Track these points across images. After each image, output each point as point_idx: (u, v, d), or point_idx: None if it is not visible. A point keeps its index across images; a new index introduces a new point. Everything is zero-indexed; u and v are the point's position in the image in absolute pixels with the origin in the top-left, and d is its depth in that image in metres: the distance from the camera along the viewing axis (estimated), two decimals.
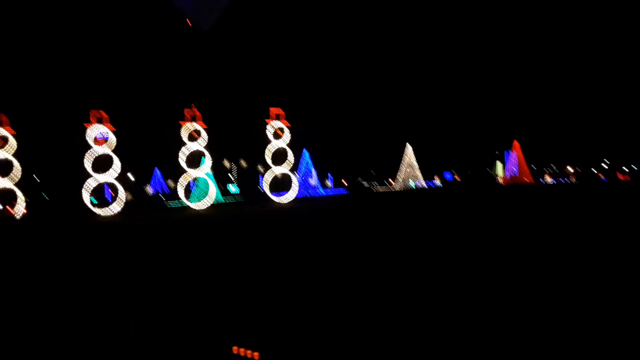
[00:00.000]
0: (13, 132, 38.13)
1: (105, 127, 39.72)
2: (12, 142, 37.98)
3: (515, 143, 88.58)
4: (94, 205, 40.43)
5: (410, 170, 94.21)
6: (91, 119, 39.35)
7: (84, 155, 38.91)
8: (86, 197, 38.76)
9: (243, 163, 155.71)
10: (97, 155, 38.97)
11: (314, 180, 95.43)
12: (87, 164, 38.82)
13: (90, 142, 39.37)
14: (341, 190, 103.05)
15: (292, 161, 45.39)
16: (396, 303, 6.12)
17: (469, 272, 7.87)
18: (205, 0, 4.82)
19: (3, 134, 37.36)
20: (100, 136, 39.68)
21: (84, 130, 39.11)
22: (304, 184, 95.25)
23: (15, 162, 37.81)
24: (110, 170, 39.53)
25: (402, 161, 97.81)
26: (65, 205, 48.17)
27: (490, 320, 5.21)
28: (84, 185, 39.11)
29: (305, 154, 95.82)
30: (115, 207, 39.80)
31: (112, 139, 39.73)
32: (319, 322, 5.30)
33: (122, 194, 40.05)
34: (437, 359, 4.19)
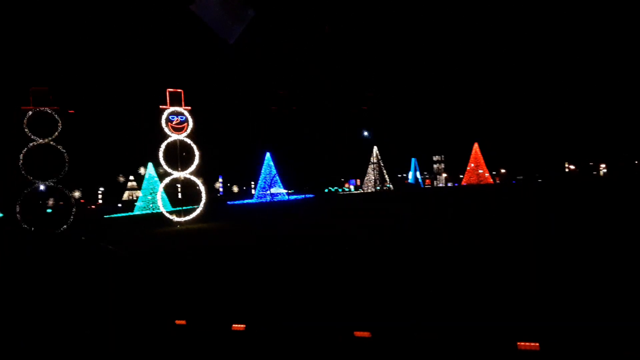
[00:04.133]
0: None
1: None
2: None
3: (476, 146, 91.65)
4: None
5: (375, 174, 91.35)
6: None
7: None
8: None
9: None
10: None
11: (276, 185, 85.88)
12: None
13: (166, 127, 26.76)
14: (307, 195, 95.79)
15: None
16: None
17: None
18: (231, 12, 4.41)
19: None
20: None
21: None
22: (266, 188, 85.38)
23: None
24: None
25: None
26: None
27: None
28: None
29: (268, 158, 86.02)
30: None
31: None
32: None
33: None
34: None
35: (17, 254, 15.67)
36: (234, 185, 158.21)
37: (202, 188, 28.33)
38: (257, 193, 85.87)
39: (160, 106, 27.15)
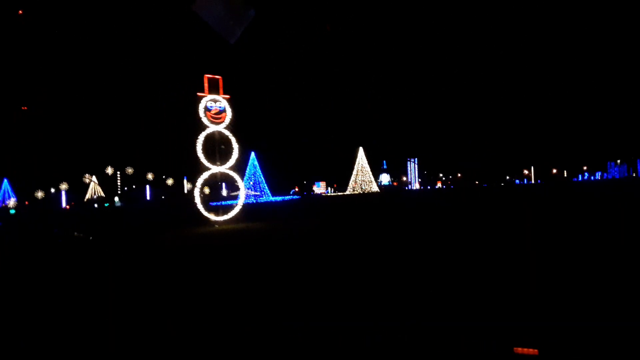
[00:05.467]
0: None
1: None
2: None
3: None
4: None
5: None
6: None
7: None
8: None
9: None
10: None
11: (260, 186, 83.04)
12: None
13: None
14: (293, 197, 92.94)
15: None
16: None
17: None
18: (232, 13, 4.43)
19: None
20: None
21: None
22: (251, 189, 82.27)
23: None
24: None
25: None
26: None
27: None
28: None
29: (253, 158, 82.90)
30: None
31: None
32: None
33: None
34: None
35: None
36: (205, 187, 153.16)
37: (241, 185, 25.92)
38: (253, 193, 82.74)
39: (198, 93, 24.57)
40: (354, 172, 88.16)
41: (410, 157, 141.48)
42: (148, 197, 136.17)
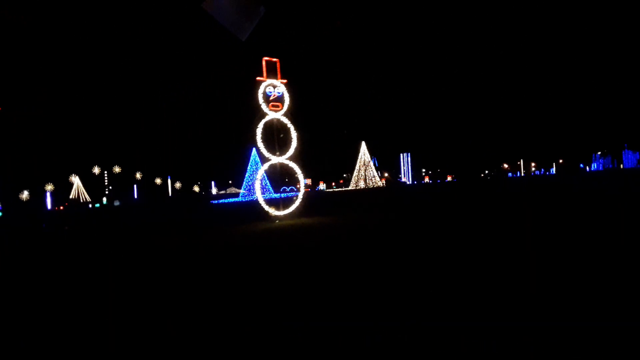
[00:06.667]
0: None
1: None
2: None
3: None
4: None
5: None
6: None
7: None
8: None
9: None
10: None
11: (263, 182, 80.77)
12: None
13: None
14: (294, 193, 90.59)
15: None
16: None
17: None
18: (242, 10, 4.44)
19: None
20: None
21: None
22: (253, 186, 79.89)
23: None
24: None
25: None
26: None
27: None
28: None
29: (254, 154, 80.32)
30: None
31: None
32: None
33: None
34: None
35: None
36: (195, 185, 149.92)
37: (300, 177, 24.04)
38: (242, 191, 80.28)
39: (257, 78, 22.57)
40: (357, 167, 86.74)
41: (403, 152, 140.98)
42: (135, 197, 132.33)
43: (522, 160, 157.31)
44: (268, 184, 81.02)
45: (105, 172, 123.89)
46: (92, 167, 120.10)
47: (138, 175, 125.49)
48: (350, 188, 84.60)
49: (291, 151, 23.28)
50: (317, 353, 4.35)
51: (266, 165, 22.54)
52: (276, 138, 23.07)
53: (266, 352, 4.47)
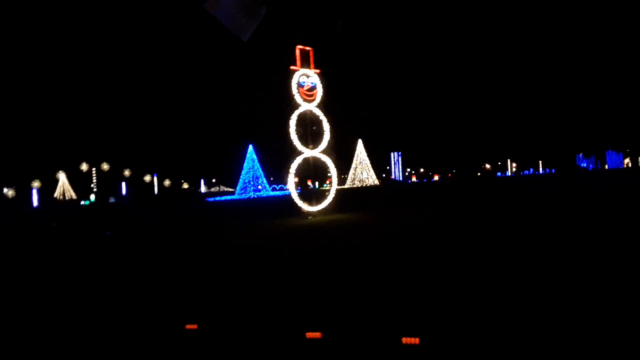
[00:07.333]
0: None
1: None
2: None
3: None
4: None
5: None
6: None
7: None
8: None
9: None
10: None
11: (260, 180, 79.41)
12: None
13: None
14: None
15: None
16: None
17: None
18: (244, 10, 4.36)
19: None
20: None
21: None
22: (250, 183, 78.42)
23: None
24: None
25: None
26: None
27: None
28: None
29: (251, 151, 78.85)
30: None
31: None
32: None
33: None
34: None
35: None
36: (184, 183, 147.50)
37: (333, 171, 23.17)
38: (238, 189, 78.82)
39: (291, 67, 21.61)
40: (354, 165, 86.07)
41: (393, 151, 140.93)
42: (124, 194, 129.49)
43: (509, 161, 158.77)
44: (264, 181, 79.78)
45: (94, 168, 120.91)
46: (79, 163, 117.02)
47: (127, 173, 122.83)
48: (346, 186, 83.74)
49: (324, 144, 22.40)
50: (317, 353, 4.31)
51: (299, 159, 21.57)
52: (309, 130, 22.17)
53: (265, 352, 4.42)
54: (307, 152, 21.83)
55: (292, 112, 21.48)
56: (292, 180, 21.76)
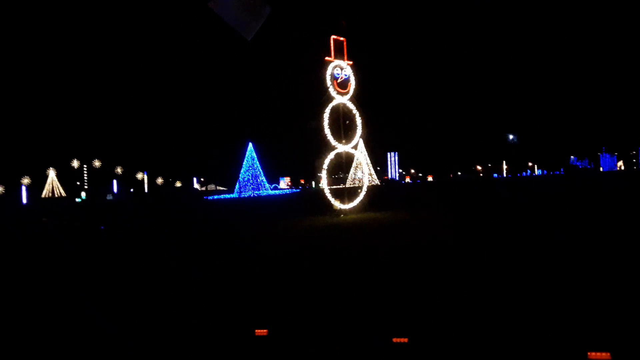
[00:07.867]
0: None
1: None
2: None
3: None
4: None
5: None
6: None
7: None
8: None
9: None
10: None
11: (260, 178, 78.11)
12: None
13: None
14: (294, 190, 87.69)
15: None
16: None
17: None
18: (248, 9, 4.44)
19: None
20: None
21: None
22: (249, 182, 77.02)
23: None
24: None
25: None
26: None
27: None
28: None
29: (251, 149, 77.38)
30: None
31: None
32: None
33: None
34: None
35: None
36: (177, 181, 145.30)
37: (365, 169, 22.15)
38: (237, 188, 77.33)
39: (326, 58, 20.56)
40: (354, 165, 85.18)
41: (390, 151, 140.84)
42: (115, 191, 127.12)
43: (504, 162, 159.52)
44: (264, 179, 78.42)
45: (85, 165, 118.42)
46: (71, 160, 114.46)
47: (119, 170, 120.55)
48: (347, 186, 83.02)
49: (356, 139, 21.40)
50: (317, 353, 4.28)
51: (332, 154, 20.53)
52: (342, 124, 21.14)
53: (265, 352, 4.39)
54: (340, 147, 20.79)
55: (325, 105, 20.44)
56: (324, 177, 20.71)
